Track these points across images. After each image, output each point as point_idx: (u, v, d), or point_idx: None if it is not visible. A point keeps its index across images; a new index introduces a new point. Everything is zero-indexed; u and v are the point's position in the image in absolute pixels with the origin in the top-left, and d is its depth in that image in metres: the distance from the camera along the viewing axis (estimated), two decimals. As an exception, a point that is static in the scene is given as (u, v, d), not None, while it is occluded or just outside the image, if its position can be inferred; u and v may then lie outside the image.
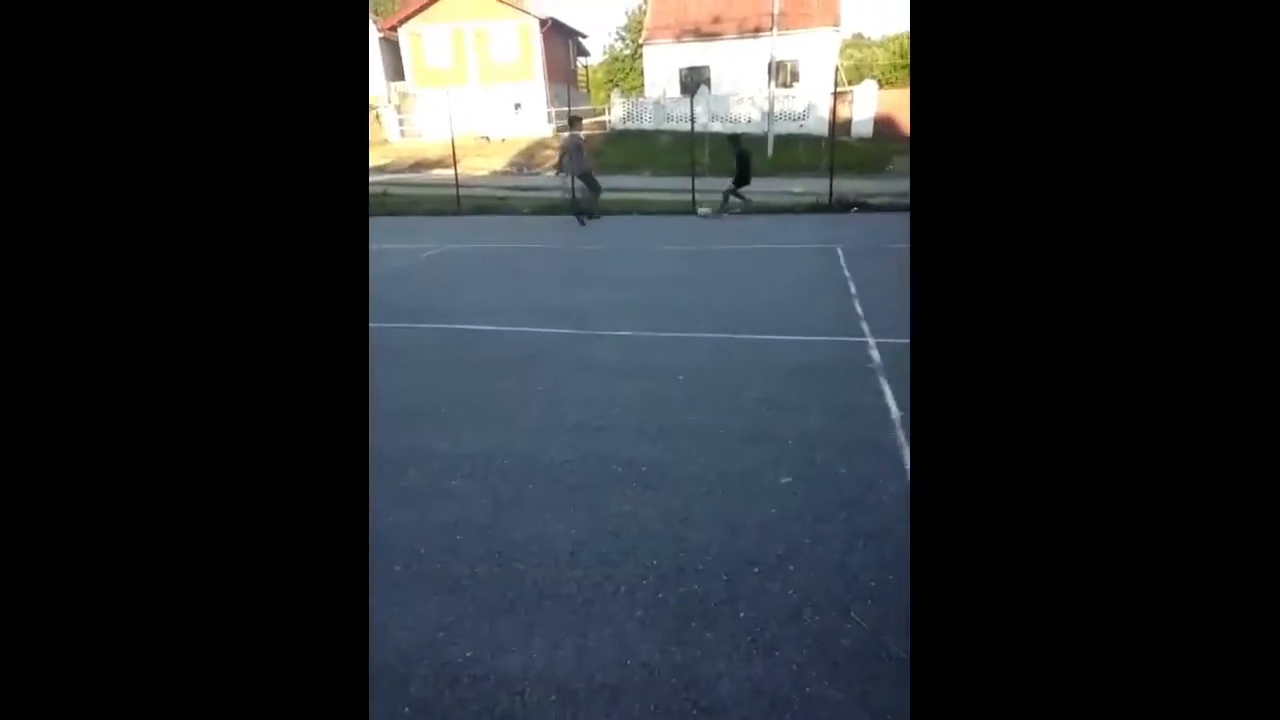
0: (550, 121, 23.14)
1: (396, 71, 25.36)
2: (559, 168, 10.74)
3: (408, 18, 24.28)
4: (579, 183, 10.03)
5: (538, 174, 17.26)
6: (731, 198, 9.91)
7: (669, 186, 12.71)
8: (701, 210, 10.03)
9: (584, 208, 9.99)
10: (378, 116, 25.07)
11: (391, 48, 25.25)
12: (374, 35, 25.31)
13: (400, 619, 1.96)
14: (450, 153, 13.41)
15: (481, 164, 18.88)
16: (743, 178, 9.81)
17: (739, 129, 19.66)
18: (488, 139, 22.62)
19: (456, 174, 12.68)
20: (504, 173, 18.27)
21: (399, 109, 25.20)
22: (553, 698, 1.68)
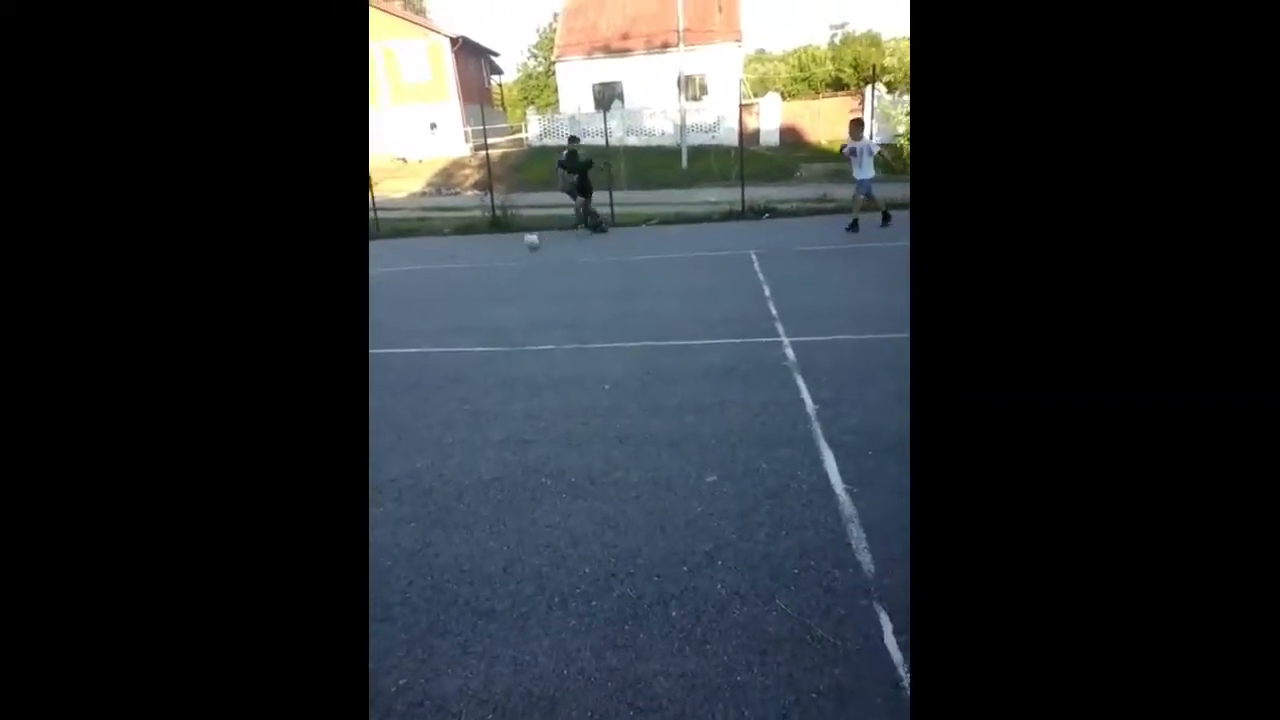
0: (467, 141, 22.88)
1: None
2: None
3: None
4: (580, 198, 9.98)
5: (456, 193, 16.98)
6: (588, 214, 9.76)
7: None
8: (528, 239, 8.96)
9: (592, 220, 9.99)
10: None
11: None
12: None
13: (328, 653, 1.91)
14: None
15: (400, 186, 18.47)
16: (583, 189, 9.69)
17: (653, 141, 19.99)
18: (404, 160, 22.16)
19: (372, 197, 12.36)
20: (422, 194, 17.91)
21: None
22: (490, 716, 1.68)
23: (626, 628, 1.95)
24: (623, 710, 1.68)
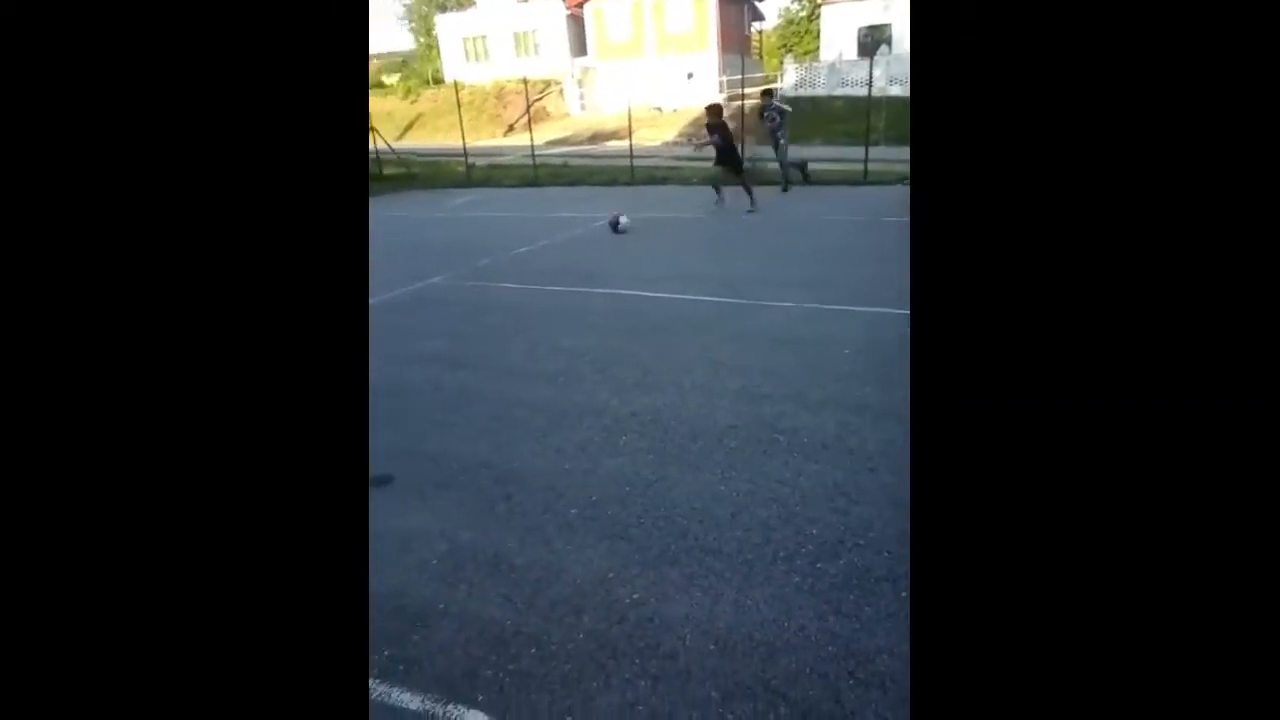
0: (721, 91, 22.86)
1: (580, 48, 26.32)
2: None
3: (591, -6, 25.04)
4: (782, 154, 9.78)
5: (707, 143, 17.16)
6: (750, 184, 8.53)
7: (841, 156, 12.12)
8: (622, 221, 7.54)
9: (790, 176, 9.87)
10: (560, 91, 26.25)
11: (577, 24, 26.21)
12: (561, 13, 26.41)
13: (575, 558, 2.16)
14: (626, 124, 13.76)
15: (654, 135, 19.17)
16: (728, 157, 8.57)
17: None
18: (660, 110, 22.85)
19: (631, 145, 13.01)
20: (674, 143, 18.42)
21: (580, 84, 26.18)
22: (711, 647, 1.78)
23: (851, 597, 1.92)
24: (843, 678, 1.66)
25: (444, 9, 32.14)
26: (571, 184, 12.10)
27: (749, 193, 8.32)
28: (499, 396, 3.41)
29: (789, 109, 10.06)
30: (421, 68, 32.43)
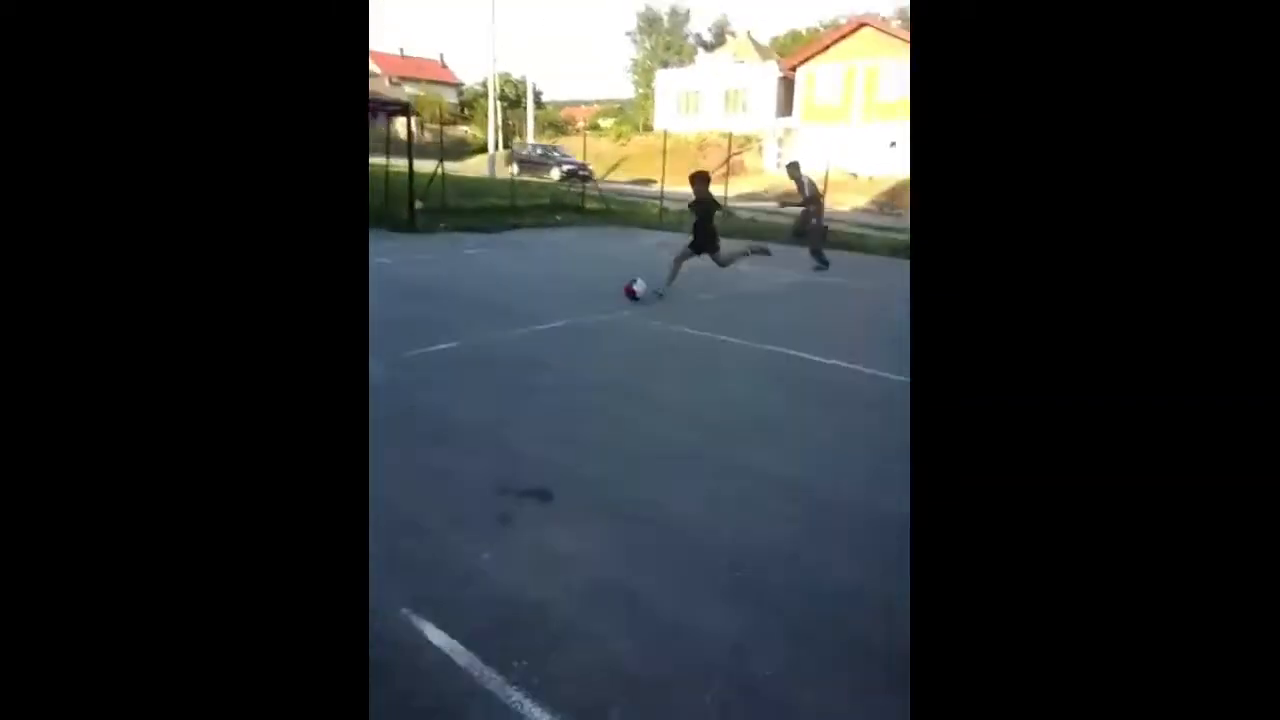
0: (929, 162, 22.00)
1: (787, 108, 26.82)
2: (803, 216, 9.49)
3: (809, 58, 25.47)
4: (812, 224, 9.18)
5: (899, 214, 16.56)
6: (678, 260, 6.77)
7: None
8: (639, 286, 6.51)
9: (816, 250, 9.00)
10: (759, 148, 26.80)
11: (787, 86, 26.78)
12: (775, 74, 27.14)
13: (711, 617, 2.13)
14: (820, 187, 13.73)
15: (845, 200, 18.88)
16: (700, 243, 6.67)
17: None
18: (855, 175, 22.49)
19: (821, 208, 12.91)
20: (865, 210, 17.99)
21: (780, 142, 26.58)
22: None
23: None
24: None
25: (666, 65, 34.28)
26: (756, 237, 12.22)
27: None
28: (663, 434, 3.49)
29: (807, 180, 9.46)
30: (635, 115, 34.72)
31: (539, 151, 25.36)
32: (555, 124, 35.77)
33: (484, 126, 30.88)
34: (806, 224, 9.37)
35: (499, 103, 28.13)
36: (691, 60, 33.90)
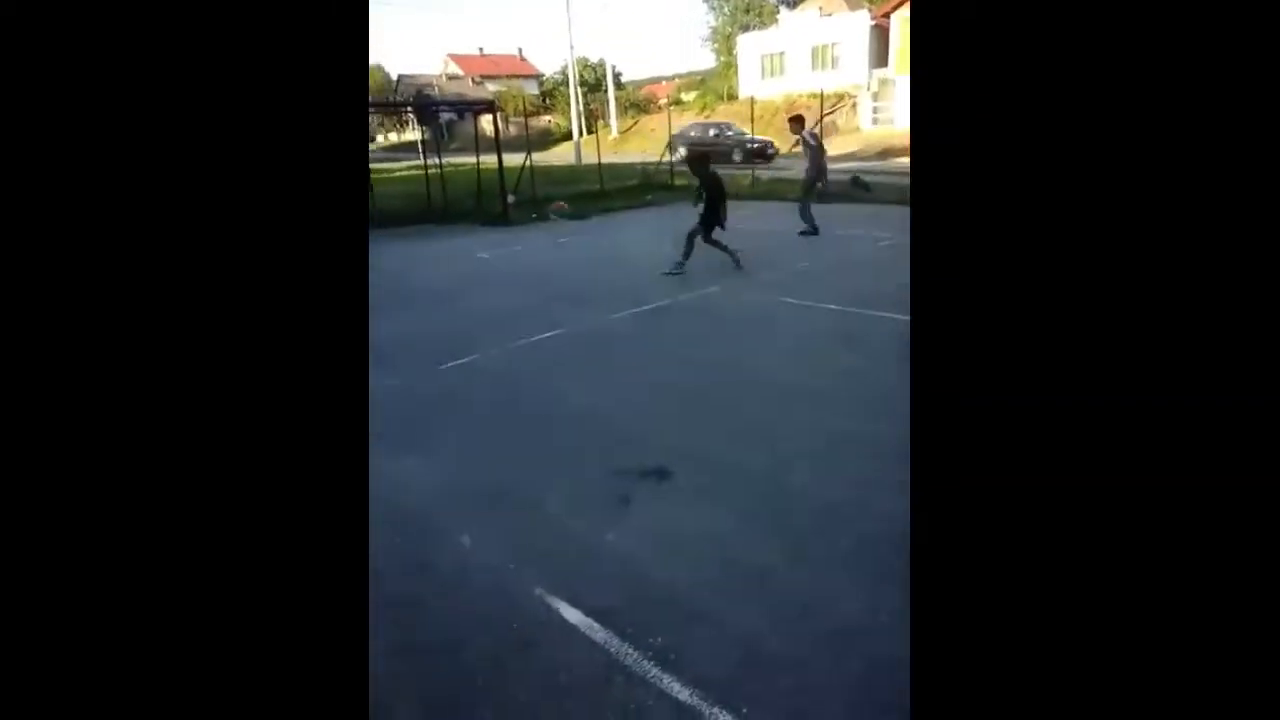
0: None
1: (881, 58, 25.35)
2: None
3: (903, 3, 23.92)
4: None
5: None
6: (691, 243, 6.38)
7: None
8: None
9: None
10: (853, 105, 25.55)
11: (880, 35, 25.29)
12: (865, 23, 25.71)
13: (847, 589, 2.09)
14: (921, 139, 12.91)
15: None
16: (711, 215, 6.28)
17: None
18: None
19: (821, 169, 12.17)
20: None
21: (875, 97, 25.21)
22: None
23: None
24: None
25: (747, 29, 33.29)
26: (853, 201, 11.71)
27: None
28: (773, 407, 3.43)
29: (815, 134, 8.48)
30: (717, 84, 33.98)
31: (712, 133, 20.46)
32: (637, 104, 35.64)
33: (566, 114, 31.28)
34: (816, 182, 8.60)
35: (579, 88, 28.32)
36: (774, 20, 32.70)
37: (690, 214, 6.73)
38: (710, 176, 6.38)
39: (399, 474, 2.94)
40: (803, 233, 8.11)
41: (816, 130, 8.62)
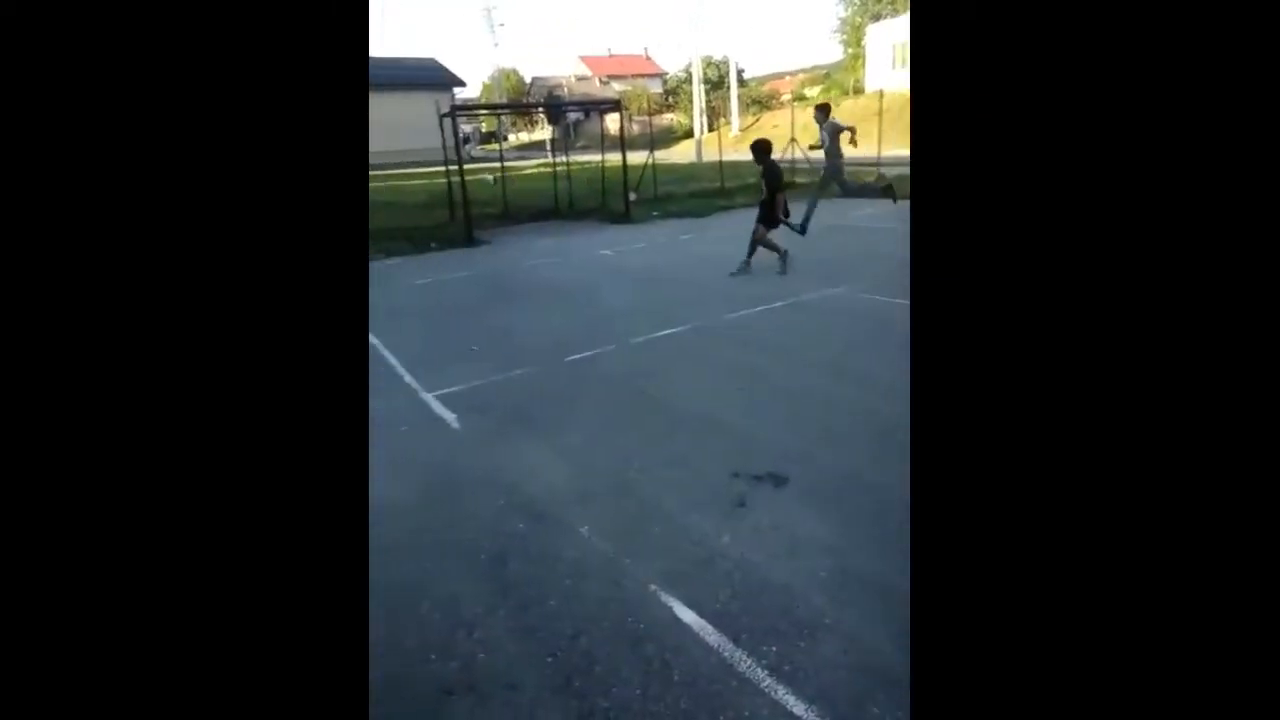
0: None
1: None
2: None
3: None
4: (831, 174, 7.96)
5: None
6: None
7: None
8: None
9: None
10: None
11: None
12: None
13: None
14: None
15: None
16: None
17: None
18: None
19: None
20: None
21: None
22: None
23: None
24: None
25: (878, 18, 31.82)
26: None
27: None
28: (894, 415, 3.29)
29: (846, 128, 7.95)
30: (843, 78, 32.76)
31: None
32: (759, 100, 35.06)
33: (688, 112, 31.31)
34: (833, 179, 8.12)
35: (701, 86, 28.24)
36: (906, 8, 31.06)
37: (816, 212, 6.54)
38: (771, 166, 6.27)
39: (527, 460, 3.08)
40: (795, 226, 7.63)
41: (837, 122, 8.18)
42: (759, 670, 1.83)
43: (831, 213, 8.83)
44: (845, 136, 8.10)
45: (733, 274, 6.36)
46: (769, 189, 6.25)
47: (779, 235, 6.51)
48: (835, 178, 8.18)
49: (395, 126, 25.28)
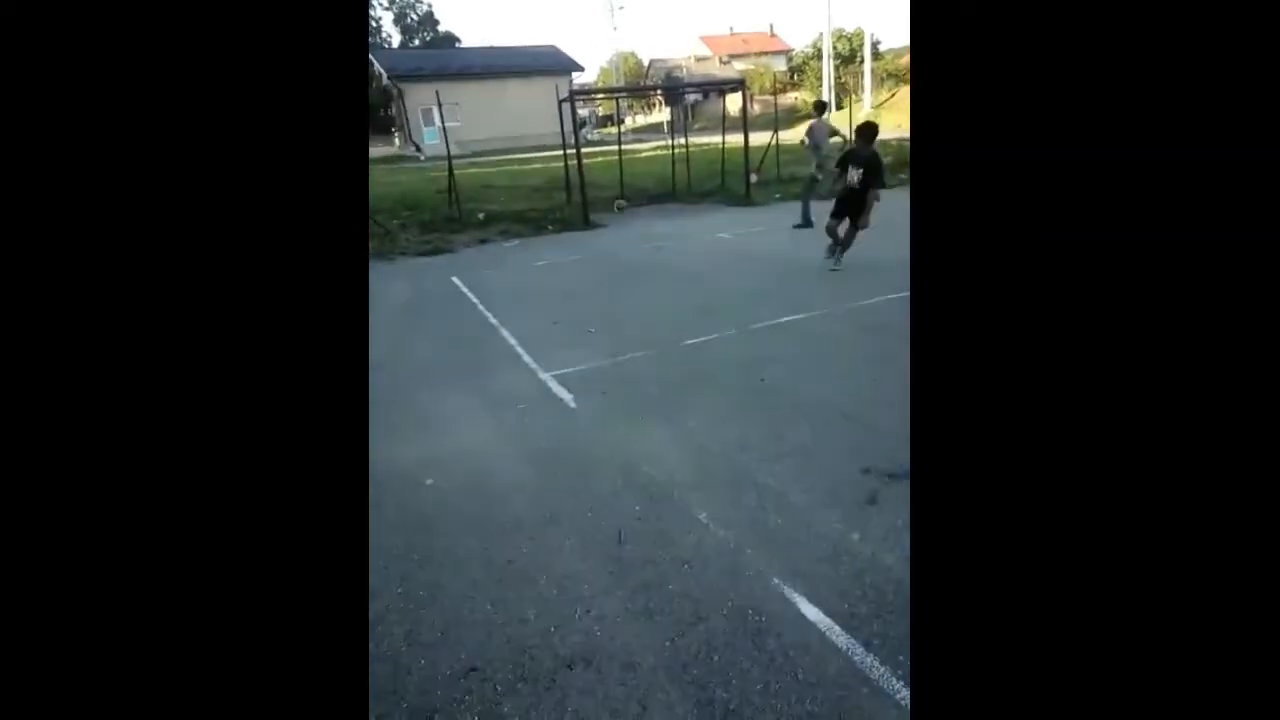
0: None
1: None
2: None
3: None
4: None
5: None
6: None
7: None
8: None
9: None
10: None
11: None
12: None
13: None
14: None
15: None
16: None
17: None
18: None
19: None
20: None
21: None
22: None
23: None
24: None
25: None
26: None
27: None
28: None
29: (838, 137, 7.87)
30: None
31: None
32: (895, 73, 33.07)
33: (815, 89, 30.14)
34: (815, 178, 7.95)
35: (831, 61, 27.00)
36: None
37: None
38: (874, 156, 5.50)
39: (644, 443, 3.06)
40: (796, 226, 8.00)
41: (828, 118, 8.22)
42: (894, 680, 1.70)
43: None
44: (837, 141, 8.13)
45: (833, 269, 5.93)
46: (865, 183, 5.42)
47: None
48: (819, 174, 8.13)
49: (516, 113, 26.17)
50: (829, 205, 6.07)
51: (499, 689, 1.78)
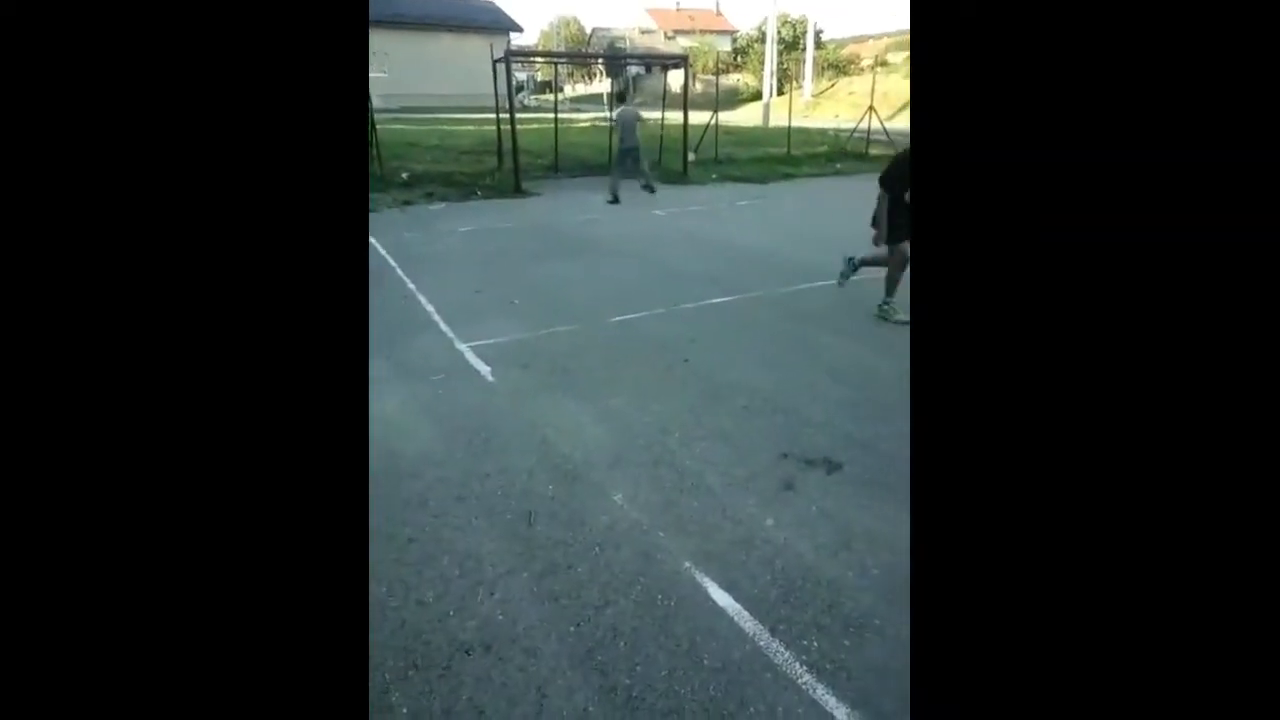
0: None
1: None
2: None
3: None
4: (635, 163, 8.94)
5: None
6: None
7: None
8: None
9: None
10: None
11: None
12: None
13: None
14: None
15: None
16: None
17: None
18: None
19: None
20: None
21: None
22: None
23: None
24: None
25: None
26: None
27: None
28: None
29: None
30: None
31: None
32: (836, 64, 33.58)
33: (757, 73, 30.30)
34: (626, 157, 9.05)
35: (775, 46, 27.12)
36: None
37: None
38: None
39: (562, 419, 2.97)
40: (610, 201, 8.65)
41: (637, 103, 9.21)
42: (798, 666, 1.69)
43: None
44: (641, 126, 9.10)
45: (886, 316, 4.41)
46: (894, 196, 4.14)
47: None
48: (628, 156, 9.05)
49: (448, 70, 24.89)
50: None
51: (387, 676, 1.67)
